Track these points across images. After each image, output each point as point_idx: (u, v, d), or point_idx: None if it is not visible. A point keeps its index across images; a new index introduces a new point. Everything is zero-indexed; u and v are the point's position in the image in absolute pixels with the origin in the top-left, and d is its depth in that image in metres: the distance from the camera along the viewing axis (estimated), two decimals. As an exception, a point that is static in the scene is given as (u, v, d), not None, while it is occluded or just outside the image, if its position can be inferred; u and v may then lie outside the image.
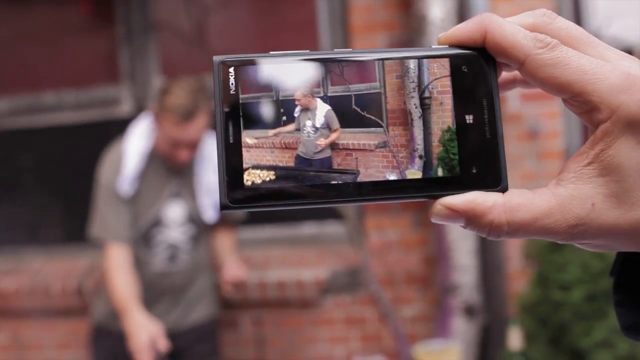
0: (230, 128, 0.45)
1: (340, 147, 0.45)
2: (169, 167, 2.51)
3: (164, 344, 2.22)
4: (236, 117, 0.45)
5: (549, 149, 2.89)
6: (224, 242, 2.71)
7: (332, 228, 3.26)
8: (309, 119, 0.45)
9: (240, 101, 0.45)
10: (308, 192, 0.45)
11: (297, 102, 0.45)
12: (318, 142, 0.45)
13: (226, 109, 0.45)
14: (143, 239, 2.52)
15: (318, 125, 0.45)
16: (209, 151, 2.55)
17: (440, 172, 0.46)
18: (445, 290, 2.81)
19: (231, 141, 0.45)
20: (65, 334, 3.34)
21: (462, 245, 2.75)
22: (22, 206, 3.53)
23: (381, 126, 0.45)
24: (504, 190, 0.45)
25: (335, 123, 0.45)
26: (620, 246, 0.44)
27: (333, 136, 0.45)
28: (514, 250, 2.85)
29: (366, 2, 3.08)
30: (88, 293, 3.18)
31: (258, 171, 0.44)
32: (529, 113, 2.88)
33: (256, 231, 3.35)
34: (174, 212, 2.56)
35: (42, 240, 3.55)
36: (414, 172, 0.45)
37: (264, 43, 3.47)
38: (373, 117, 0.45)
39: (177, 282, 2.57)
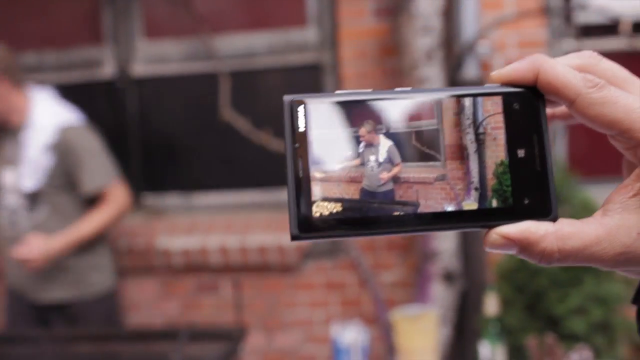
0: (300, 163, 0.48)
1: (402, 180, 0.48)
2: (3, 133, 2.64)
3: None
4: (304, 153, 0.48)
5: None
6: (88, 217, 2.70)
7: (314, 194, 3.27)
8: (373, 154, 0.48)
9: (309, 138, 0.48)
10: (372, 223, 0.47)
11: (361, 139, 0.48)
12: (381, 176, 0.48)
13: (296, 145, 0.48)
14: None
15: (381, 160, 0.48)
16: (36, 118, 2.62)
17: (494, 203, 0.49)
18: (425, 257, 2.84)
19: (300, 175, 0.48)
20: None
21: (443, 213, 2.77)
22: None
23: (439, 160, 0.48)
24: (554, 219, 0.47)
25: (397, 157, 0.48)
26: None
27: (395, 170, 0.48)
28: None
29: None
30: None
31: (326, 203, 0.48)
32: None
33: (238, 195, 3.36)
34: (9, 178, 2.64)
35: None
36: (470, 204, 0.48)
37: (249, 7, 3.43)
38: (432, 152, 0.48)
39: None
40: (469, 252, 2.84)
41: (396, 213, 0.48)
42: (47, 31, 3.48)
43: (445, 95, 0.49)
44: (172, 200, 3.45)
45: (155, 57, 3.40)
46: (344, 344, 2.67)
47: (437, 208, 0.48)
